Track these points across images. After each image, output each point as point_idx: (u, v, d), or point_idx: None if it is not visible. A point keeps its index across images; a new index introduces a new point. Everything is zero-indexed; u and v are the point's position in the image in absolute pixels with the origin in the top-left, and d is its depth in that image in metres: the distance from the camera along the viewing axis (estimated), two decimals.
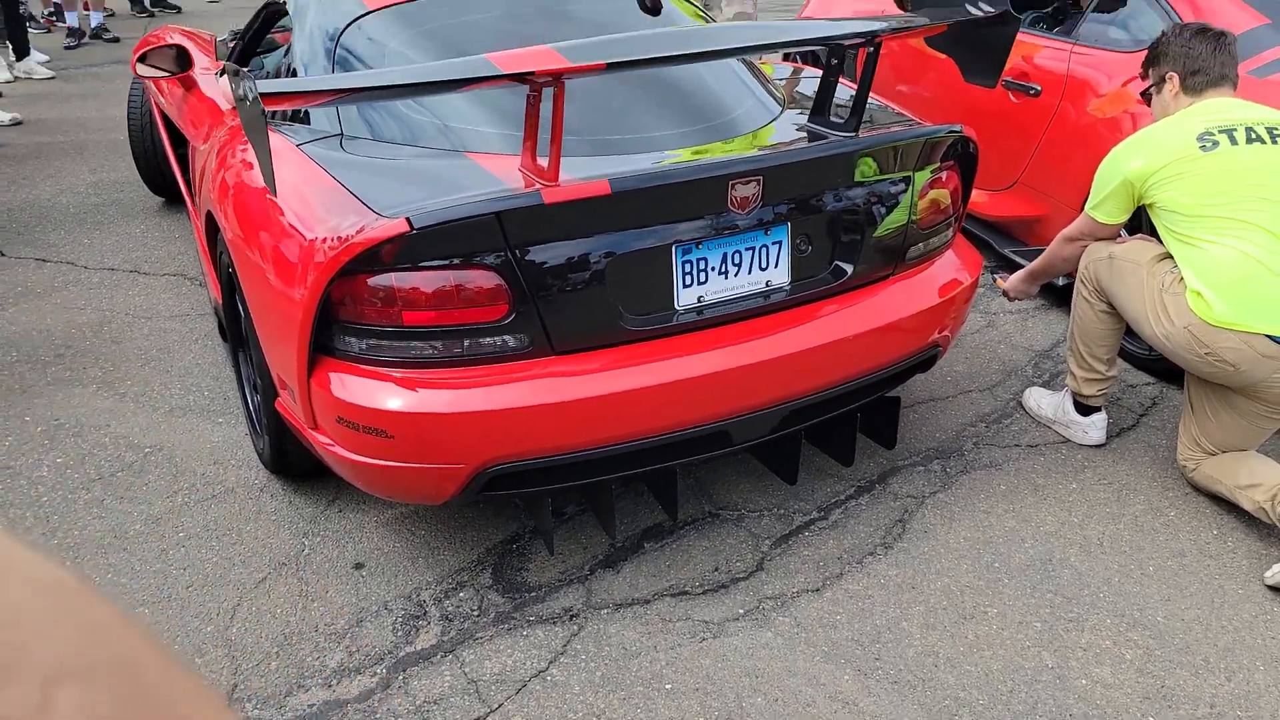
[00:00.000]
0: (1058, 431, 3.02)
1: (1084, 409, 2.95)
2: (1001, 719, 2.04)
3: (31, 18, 7.71)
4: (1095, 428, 2.95)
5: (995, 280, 3.24)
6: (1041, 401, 3.08)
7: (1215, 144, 2.51)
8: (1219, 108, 2.61)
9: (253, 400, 2.83)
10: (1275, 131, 2.53)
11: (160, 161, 4.49)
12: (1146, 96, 2.83)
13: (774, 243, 2.32)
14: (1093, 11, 3.71)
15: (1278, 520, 2.45)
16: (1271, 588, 2.38)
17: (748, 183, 2.17)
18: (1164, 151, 2.56)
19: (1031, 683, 2.13)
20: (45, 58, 7.33)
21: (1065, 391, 3.01)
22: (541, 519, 2.40)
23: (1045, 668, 2.17)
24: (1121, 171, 2.62)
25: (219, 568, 2.45)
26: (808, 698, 2.09)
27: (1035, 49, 3.80)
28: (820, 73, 2.58)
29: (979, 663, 2.18)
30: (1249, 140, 2.50)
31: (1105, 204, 2.70)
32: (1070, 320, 2.93)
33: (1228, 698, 2.10)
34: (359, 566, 2.46)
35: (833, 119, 2.53)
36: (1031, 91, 3.75)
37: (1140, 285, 2.62)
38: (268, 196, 2.34)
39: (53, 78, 7.03)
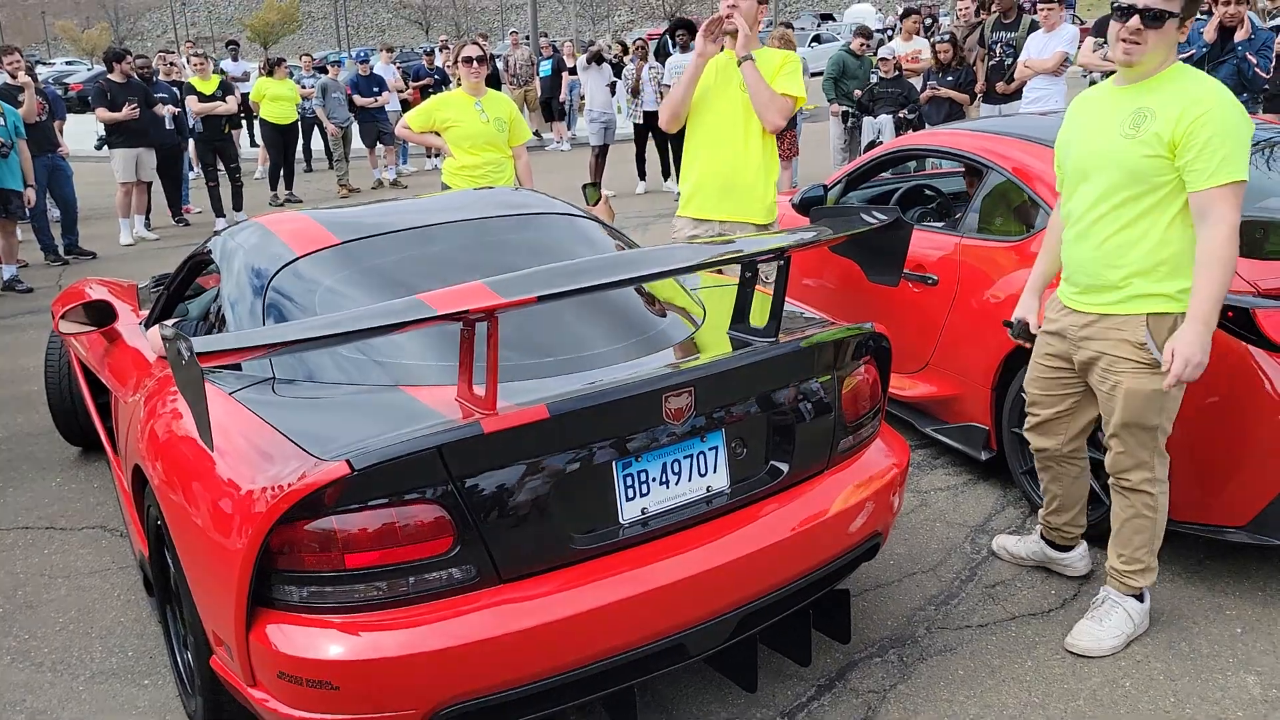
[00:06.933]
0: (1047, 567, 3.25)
1: (1061, 547, 3.20)
2: None
3: None
4: (1079, 559, 3.19)
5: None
6: (1019, 551, 3.31)
7: None
8: None
9: (183, 658, 2.68)
10: None
11: (79, 412, 4.41)
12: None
13: (710, 448, 2.37)
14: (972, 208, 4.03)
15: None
16: None
17: (680, 394, 2.24)
18: None
19: None
20: None
21: (1037, 538, 3.26)
22: None
23: None
24: None
25: None
26: None
27: (928, 242, 4.08)
28: (736, 283, 2.72)
29: None
30: None
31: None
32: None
33: None
34: None
35: (753, 326, 2.66)
36: (929, 281, 4.00)
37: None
38: (202, 448, 2.32)
39: None
